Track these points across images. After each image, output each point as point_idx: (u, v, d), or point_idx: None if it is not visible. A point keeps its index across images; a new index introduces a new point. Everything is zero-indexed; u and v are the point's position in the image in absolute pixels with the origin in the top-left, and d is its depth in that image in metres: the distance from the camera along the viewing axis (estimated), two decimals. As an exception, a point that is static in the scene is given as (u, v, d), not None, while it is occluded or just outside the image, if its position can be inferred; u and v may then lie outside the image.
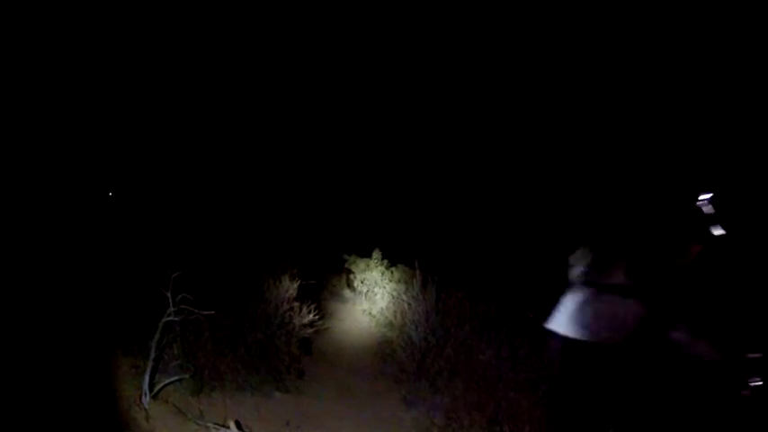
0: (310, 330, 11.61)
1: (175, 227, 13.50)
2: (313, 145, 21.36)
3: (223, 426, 7.97)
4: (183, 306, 8.27)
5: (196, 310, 8.37)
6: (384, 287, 14.69)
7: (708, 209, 4.33)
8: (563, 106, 16.61)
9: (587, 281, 5.03)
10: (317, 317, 11.81)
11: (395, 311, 13.42)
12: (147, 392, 7.73)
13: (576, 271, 5.12)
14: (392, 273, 14.94)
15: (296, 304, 11.70)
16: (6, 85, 12.42)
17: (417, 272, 12.89)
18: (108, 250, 10.98)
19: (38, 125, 13.41)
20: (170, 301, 8.15)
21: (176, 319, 8.27)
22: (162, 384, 8.16)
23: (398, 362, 11.33)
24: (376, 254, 15.61)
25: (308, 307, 11.81)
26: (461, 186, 19.08)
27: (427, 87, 20.00)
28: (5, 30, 12.36)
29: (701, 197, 4.37)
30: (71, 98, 14.29)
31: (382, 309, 14.06)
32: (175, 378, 8.41)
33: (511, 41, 17.03)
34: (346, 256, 15.97)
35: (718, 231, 4.30)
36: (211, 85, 18.78)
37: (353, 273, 15.62)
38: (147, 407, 7.61)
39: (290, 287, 12.04)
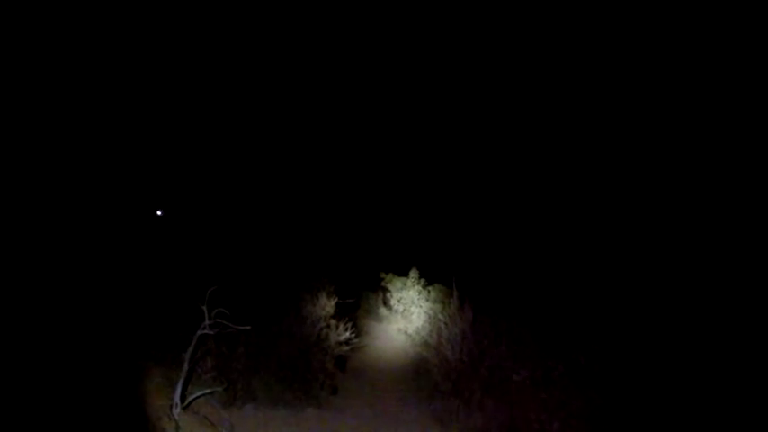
0: (346, 348, 11.75)
1: (215, 243, 14.00)
2: (354, 166, 21.73)
3: (255, 438, 8.18)
4: (218, 320, 8.51)
5: (231, 325, 8.60)
6: (420, 306, 14.71)
7: None
8: (606, 131, 16.43)
9: None
10: (352, 334, 11.96)
11: (431, 331, 13.40)
12: (179, 403, 7.97)
13: None
14: (429, 292, 14.95)
15: (332, 322, 11.92)
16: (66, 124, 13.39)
17: (455, 292, 12.90)
18: (149, 265, 11.48)
19: (102, 155, 14.34)
20: (206, 314, 8.43)
21: (211, 332, 8.52)
22: (194, 396, 8.41)
23: (433, 381, 11.29)
24: (413, 273, 15.66)
25: (345, 324, 12.01)
26: (500, 210, 18.95)
27: (467, 113, 20.16)
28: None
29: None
30: (120, 127, 15.21)
31: (418, 328, 14.06)
32: (208, 390, 8.66)
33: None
34: (383, 275, 16.09)
35: None
36: (263, 115, 19.56)
37: (390, 291, 15.72)
38: (177, 417, 7.84)
39: (327, 304, 12.27)
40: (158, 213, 16.50)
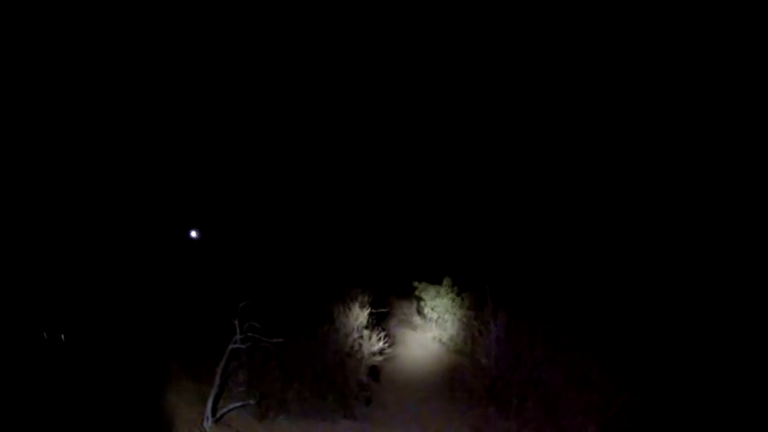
0: (380, 358, 11.79)
1: (247, 258, 14.27)
2: (385, 176, 21.82)
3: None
4: (250, 334, 8.68)
5: (264, 338, 8.75)
6: (454, 314, 14.61)
7: None
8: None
9: None
10: (386, 344, 11.99)
11: (465, 338, 13.34)
12: (210, 417, 8.15)
13: None
14: (462, 299, 14.84)
15: (366, 332, 11.98)
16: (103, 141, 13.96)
17: (488, 298, 12.81)
18: (182, 281, 11.81)
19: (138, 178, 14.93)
20: (237, 328, 8.61)
21: (243, 346, 8.69)
22: (225, 409, 8.58)
23: (468, 388, 11.22)
24: (446, 281, 15.56)
25: (378, 334, 12.06)
26: (532, 215, 18.74)
27: (495, 120, 20.09)
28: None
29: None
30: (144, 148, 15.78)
31: (452, 335, 13.98)
32: (239, 404, 8.82)
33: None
34: (416, 284, 16.05)
35: None
36: (291, 129, 19.94)
37: (423, 300, 15.65)
38: (208, 430, 7.99)
39: (359, 315, 12.34)
40: (193, 235, 16.95)
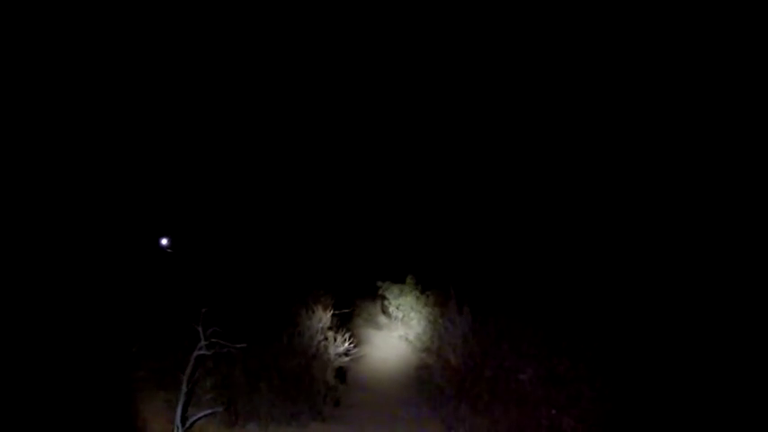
0: (346, 359, 11.53)
1: (206, 262, 13.80)
2: (343, 175, 21.59)
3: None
4: (214, 340, 8.33)
5: (228, 344, 8.41)
6: (420, 312, 14.50)
7: None
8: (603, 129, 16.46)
9: None
10: (352, 345, 11.74)
11: (431, 336, 13.20)
12: (180, 426, 7.78)
13: None
14: (427, 297, 14.74)
15: (330, 333, 11.69)
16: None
17: (452, 295, 12.73)
18: (144, 288, 11.30)
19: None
20: (201, 335, 8.25)
21: (208, 352, 8.33)
22: (194, 417, 8.21)
23: (437, 386, 11.07)
24: (409, 279, 15.47)
25: (343, 335, 11.78)
26: (494, 210, 18.84)
27: (461, 114, 20.14)
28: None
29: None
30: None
31: (419, 333, 13.84)
32: (208, 411, 8.46)
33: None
34: (380, 283, 15.87)
35: None
36: (254, 124, 19.48)
37: (388, 299, 15.50)
38: (178, 441, 7.63)
39: (323, 317, 12.03)
40: (164, 243, 16.39)
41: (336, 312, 12.35)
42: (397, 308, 15.06)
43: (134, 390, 8.52)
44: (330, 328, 11.83)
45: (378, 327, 15.40)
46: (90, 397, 7.56)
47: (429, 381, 11.55)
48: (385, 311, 15.80)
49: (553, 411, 8.33)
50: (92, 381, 7.96)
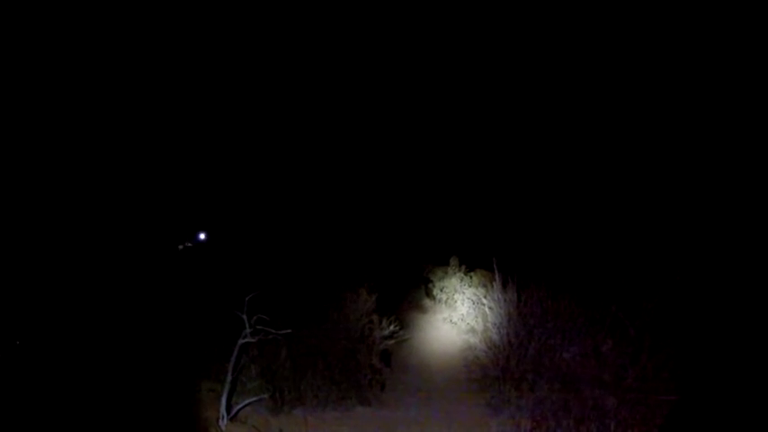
0: (391, 342, 11.69)
1: (251, 251, 14.19)
2: (386, 160, 21.63)
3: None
4: (259, 327, 8.57)
5: (272, 331, 8.64)
6: (463, 293, 14.44)
7: None
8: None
9: None
10: (397, 328, 11.88)
11: (476, 316, 13.18)
12: (225, 415, 8.07)
13: None
14: (471, 278, 14.68)
15: (375, 317, 11.84)
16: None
17: (496, 274, 12.64)
18: (188, 280, 11.76)
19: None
20: (246, 323, 8.50)
21: (253, 340, 8.59)
22: (240, 405, 8.49)
23: (482, 367, 11.12)
24: (453, 261, 15.43)
25: (388, 319, 11.94)
26: (536, 186, 18.51)
27: (503, 99, 19.83)
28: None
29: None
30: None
31: (463, 315, 13.83)
32: (254, 399, 8.74)
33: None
34: (424, 266, 15.93)
35: None
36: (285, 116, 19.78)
37: (432, 282, 15.54)
38: (224, 429, 7.92)
39: (368, 300, 12.19)
40: (202, 237, 16.94)
41: (382, 296, 12.49)
42: (441, 290, 15.07)
43: (178, 380, 8.84)
44: (375, 312, 11.99)
45: (422, 310, 15.47)
46: (131, 389, 7.90)
47: (474, 362, 11.60)
48: (429, 294, 15.84)
49: (597, 391, 8.22)
50: (133, 373, 8.31)
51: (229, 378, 8.36)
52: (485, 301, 12.93)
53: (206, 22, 16.99)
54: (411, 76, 20.47)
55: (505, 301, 12.00)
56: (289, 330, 8.99)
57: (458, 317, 14.02)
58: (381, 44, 19.57)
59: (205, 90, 17.82)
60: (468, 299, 14.08)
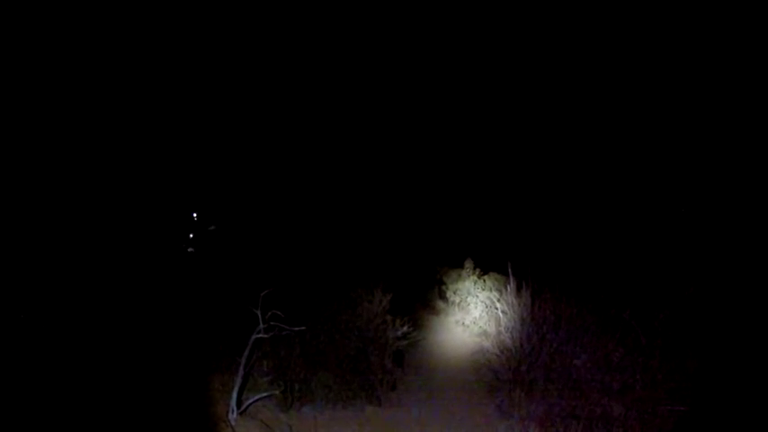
0: (403, 343, 11.77)
1: (267, 247, 14.37)
2: (402, 162, 21.72)
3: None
4: (273, 323, 8.71)
5: (287, 327, 8.78)
6: (477, 296, 14.50)
7: None
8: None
9: None
10: (410, 329, 11.95)
11: (488, 320, 13.24)
12: (235, 409, 8.21)
13: None
14: (484, 281, 14.72)
15: (388, 317, 11.94)
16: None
17: (511, 278, 12.68)
18: (202, 273, 11.95)
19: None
20: (260, 318, 8.64)
21: (266, 336, 8.72)
22: (250, 401, 8.63)
23: (493, 370, 11.17)
24: (468, 263, 15.48)
25: (401, 320, 12.03)
26: (552, 191, 18.49)
27: (517, 104, 19.84)
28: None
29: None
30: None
31: (476, 318, 13.90)
32: (265, 394, 8.89)
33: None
34: (438, 268, 16.01)
35: None
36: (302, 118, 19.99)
37: (445, 284, 15.62)
38: (233, 423, 8.08)
39: (382, 300, 12.30)
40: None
41: (395, 296, 12.60)
42: (455, 293, 15.14)
43: (189, 374, 9.00)
44: (388, 312, 12.09)
45: (435, 312, 15.57)
46: (142, 381, 8.07)
47: (485, 365, 11.66)
48: (442, 296, 15.92)
49: (605, 399, 8.26)
50: (145, 365, 8.48)
51: (241, 373, 8.50)
52: (498, 304, 12.99)
53: (214, 20, 17.19)
54: (432, 79, 20.55)
55: (519, 305, 12.03)
56: (302, 327, 9.11)
57: (470, 320, 14.09)
58: (408, 46, 19.68)
59: (225, 84, 18.05)
60: (482, 302, 14.13)
